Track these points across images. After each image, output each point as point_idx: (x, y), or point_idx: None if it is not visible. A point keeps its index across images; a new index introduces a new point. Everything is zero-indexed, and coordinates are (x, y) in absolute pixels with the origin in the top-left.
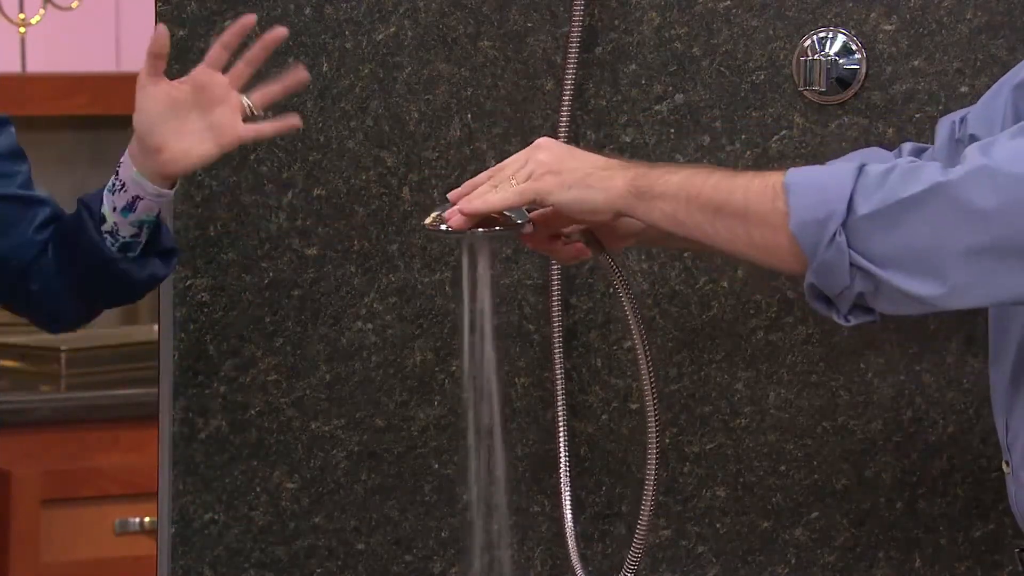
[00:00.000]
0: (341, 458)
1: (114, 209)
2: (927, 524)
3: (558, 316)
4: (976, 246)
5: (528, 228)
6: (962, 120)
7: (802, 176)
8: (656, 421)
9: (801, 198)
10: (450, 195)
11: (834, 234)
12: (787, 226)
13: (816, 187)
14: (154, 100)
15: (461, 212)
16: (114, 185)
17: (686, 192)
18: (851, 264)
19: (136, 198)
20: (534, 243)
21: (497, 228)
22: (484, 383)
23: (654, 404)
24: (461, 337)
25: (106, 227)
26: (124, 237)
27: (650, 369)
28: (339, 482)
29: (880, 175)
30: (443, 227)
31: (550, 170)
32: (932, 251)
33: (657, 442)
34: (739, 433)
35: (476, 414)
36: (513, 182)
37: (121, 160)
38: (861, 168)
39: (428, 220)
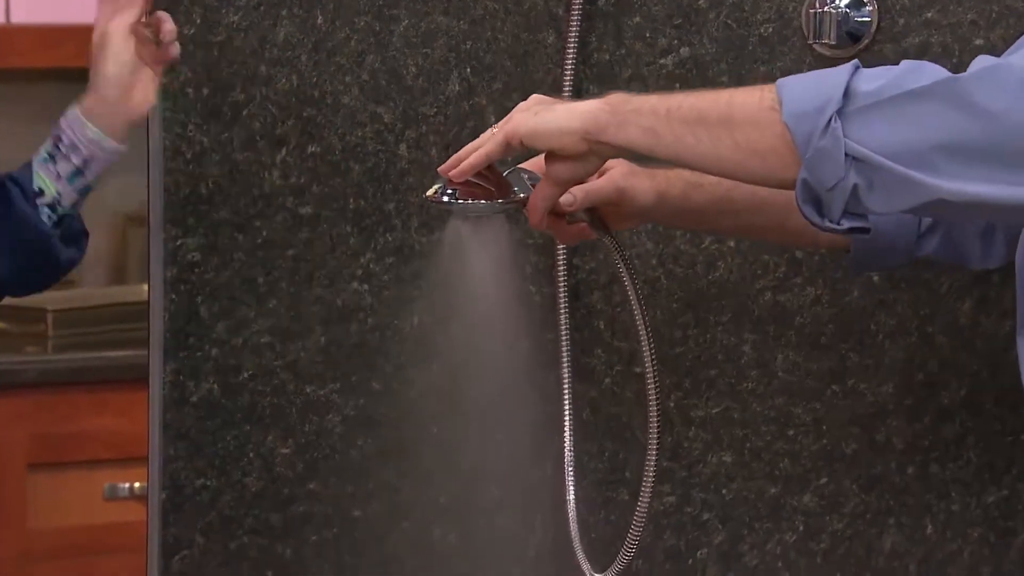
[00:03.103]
0: (336, 423)
1: (58, 177)
2: (939, 490)
3: (562, 277)
4: (975, 146)
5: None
6: None
7: (793, 77)
8: (657, 417)
9: (794, 92)
10: (441, 168)
11: (829, 120)
12: (778, 121)
13: (810, 80)
14: (126, 38)
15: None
16: (56, 151)
17: (665, 105)
18: (847, 154)
19: (88, 160)
20: (536, 220)
21: (499, 201)
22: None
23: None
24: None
25: (45, 200)
26: (65, 207)
27: (653, 361)
28: (334, 447)
29: (881, 69)
30: (445, 198)
31: (520, 110)
32: (930, 147)
33: (658, 440)
34: (746, 397)
35: (476, 378)
36: (494, 130)
37: (63, 125)
38: (857, 65)
39: (430, 192)
